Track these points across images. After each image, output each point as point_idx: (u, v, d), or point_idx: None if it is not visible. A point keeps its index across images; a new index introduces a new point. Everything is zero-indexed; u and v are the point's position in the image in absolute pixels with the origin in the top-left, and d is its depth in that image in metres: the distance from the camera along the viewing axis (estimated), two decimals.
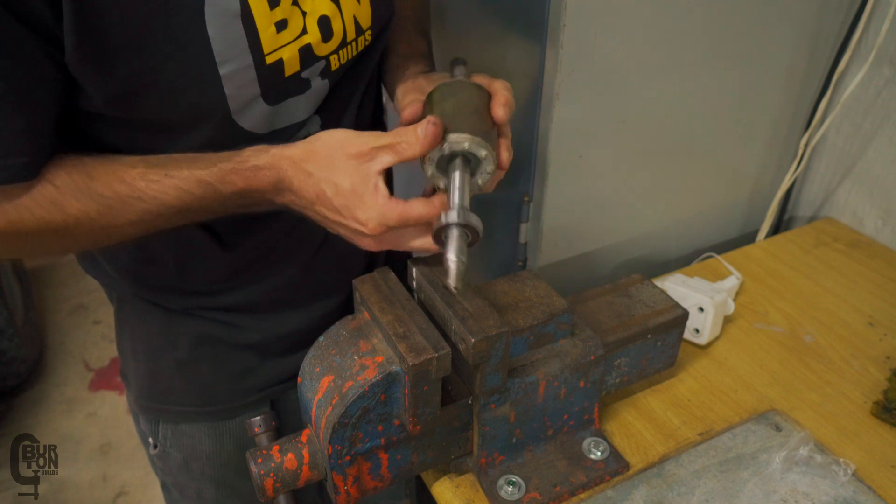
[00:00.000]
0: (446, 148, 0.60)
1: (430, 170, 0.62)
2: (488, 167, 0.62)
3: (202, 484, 0.88)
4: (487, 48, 0.95)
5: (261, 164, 0.61)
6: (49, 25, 0.53)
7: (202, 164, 0.61)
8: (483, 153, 0.61)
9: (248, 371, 0.83)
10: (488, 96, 0.67)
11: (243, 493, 0.89)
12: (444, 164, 0.62)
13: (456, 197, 0.59)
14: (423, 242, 0.64)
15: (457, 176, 0.60)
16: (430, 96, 0.66)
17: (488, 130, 0.63)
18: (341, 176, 0.60)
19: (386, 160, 0.60)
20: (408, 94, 0.73)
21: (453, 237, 0.58)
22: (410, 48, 0.81)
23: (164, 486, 0.93)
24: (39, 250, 0.65)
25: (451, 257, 0.57)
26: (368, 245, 0.63)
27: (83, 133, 0.64)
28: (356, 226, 0.61)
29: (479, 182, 0.63)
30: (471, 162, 0.62)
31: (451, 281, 0.57)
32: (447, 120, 0.61)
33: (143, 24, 0.55)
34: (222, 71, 0.59)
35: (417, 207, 0.60)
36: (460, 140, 0.60)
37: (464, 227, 0.58)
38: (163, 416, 0.85)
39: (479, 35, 0.97)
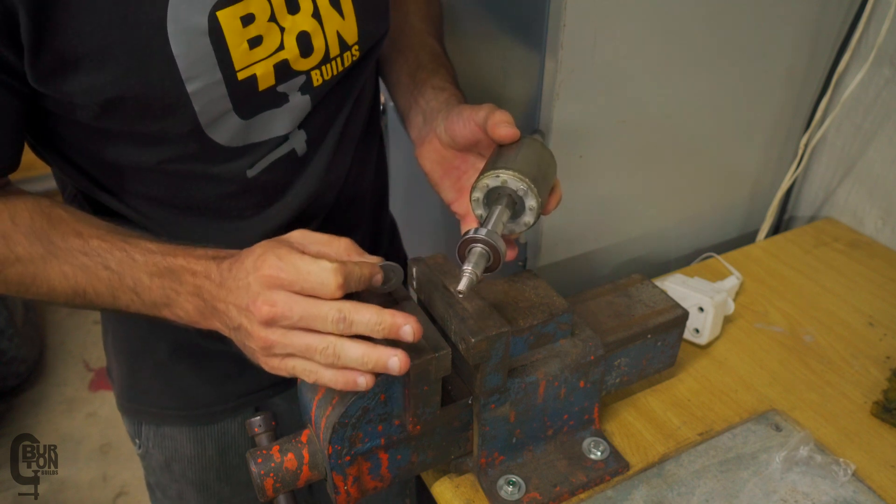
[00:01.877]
0: (506, 181, 0.61)
1: (478, 195, 0.63)
2: (527, 218, 0.63)
3: (183, 486, 0.88)
4: (487, 48, 0.95)
5: (210, 248, 0.59)
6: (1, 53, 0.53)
7: (156, 239, 0.60)
8: (532, 203, 0.62)
9: (228, 377, 0.83)
10: (555, 165, 0.68)
11: (224, 497, 0.89)
12: (492, 197, 0.63)
13: (491, 222, 0.60)
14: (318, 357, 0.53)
15: (499, 209, 0.61)
16: (501, 147, 0.67)
17: (544, 187, 0.64)
18: (267, 243, 0.55)
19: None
20: (463, 115, 0.69)
21: (476, 253, 0.58)
22: (444, 81, 0.79)
23: (148, 486, 0.93)
24: None
25: (468, 268, 0.57)
26: (257, 337, 0.53)
27: (61, 137, 0.64)
28: (251, 276, 0.53)
29: (514, 227, 0.64)
30: (516, 205, 0.63)
31: (460, 287, 0.56)
32: (513, 160, 0.63)
33: (102, 37, 0.54)
34: (189, 87, 0.59)
35: (322, 268, 0.52)
36: (519, 182, 0.61)
37: (489, 247, 0.58)
38: (144, 418, 0.85)
39: (479, 35, 0.97)
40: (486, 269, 0.59)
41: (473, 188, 0.63)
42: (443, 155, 0.72)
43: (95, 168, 0.67)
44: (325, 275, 0.52)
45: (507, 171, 0.61)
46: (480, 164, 0.71)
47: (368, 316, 0.52)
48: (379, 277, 0.57)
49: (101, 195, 0.69)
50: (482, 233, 0.58)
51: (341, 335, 0.53)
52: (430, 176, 0.73)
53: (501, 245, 0.59)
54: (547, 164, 0.66)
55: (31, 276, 0.61)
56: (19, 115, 0.59)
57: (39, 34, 0.53)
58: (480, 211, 0.64)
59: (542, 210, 0.64)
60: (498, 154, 0.65)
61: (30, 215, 0.61)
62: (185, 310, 0.59)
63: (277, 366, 0.55)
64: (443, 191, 0.73)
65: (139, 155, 0.64)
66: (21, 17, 0.52)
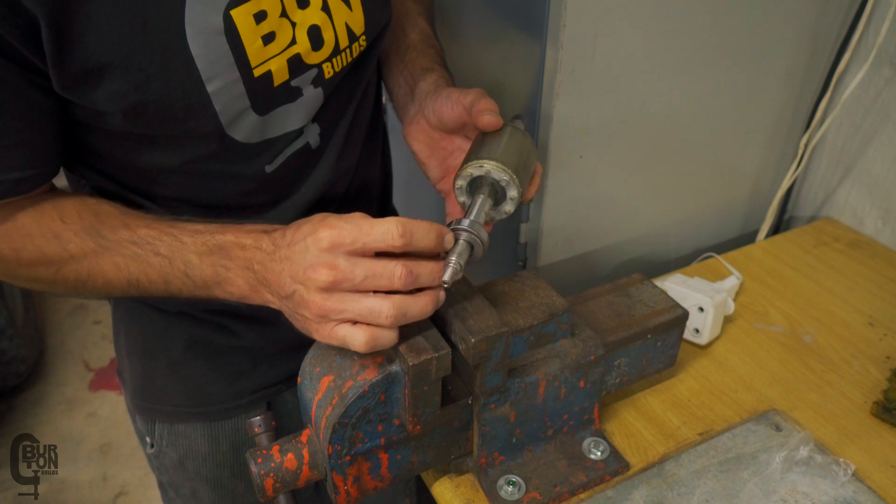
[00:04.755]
0: (489, 171, 0.63)
1: (461, 182, 0.65)
2: (508, 207, 0.66)
3: (197, 484, 0.88)
4: (488, 48, 0.95)
5: (258, 223, 0.60)
6: (26, 56, 0.54)
7: (202, 220, 0.62)
8: (513, 194, 0.65)
9: (241, 372, 0.83)
10: (535, 150, 0.70)
11: (238, 494, 0.89)
12: (475, 185, 0.65)
13: (474, 212, 0.62)
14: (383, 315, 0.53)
15: (481, 198, 0.63)
16: (485, 134, 0.68)
17: (525, 177, 0.66)
18: (321, 214, 0.56)
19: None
20: (451, 98, 0.70)
21: (460, 242, 0.59)
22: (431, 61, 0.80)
23: (160, 485, 0.93)
24: (28, 280, 0.66)
25: (452, 258, 0.58)
26: (313, 304, 0.53)
27: (84, 143, 0.65)
28: (310, 242, 0.53)
29: (494, 215, 0.67)
30: (497, 193, 0.65)
31: (445, 277, 0.57)
32: (496, 150, 0.64)
33: (123, 44, 0.55)
34: (209, 87, 0.59)
35: (385, 224, 0.52)
36: (502, 173, 0.63)
37: (473, 237, 0.60)
38: (158, 416, 0.85)
39: (479, 35, 0.97)
40: (470, 259, 0.60)
41: (457, 176, 0.65)
42: (430, 136, 0.73)
43: (117, 171, 0.68)
44: (387, 224, 0.52)
45: (491, 162, 0.63)
46: (467, 147, 0.72)
47: (430, 266, 0.54)
48: (450, 238, 0.57)
49: (123, 195, 0.70)
50: (465, 224, 0.60)
51: (401, 291, 0.53)
52: (416, 155, 0.75)
53: (484, 236, 0.60)
54: (528, 154, 0.68)
55: (86, 271, 0.63)
56: (58, 116, 0.60)
57: (61, 46, 0.53)
58: (463, 198, 0.66)
59: (522, 199, 0.66)
60: (482, 142, 0.66)
61: (77, 213, 0.63)
62: (236, 285, 0.59)
63: (329, 333, 0.55)
64: (429, 170, 0.75)
65: (162, 157, 0.65)
66: (42, 30, 0.52)
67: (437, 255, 0.58)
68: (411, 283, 0.53)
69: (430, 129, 0.73)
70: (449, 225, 0.60)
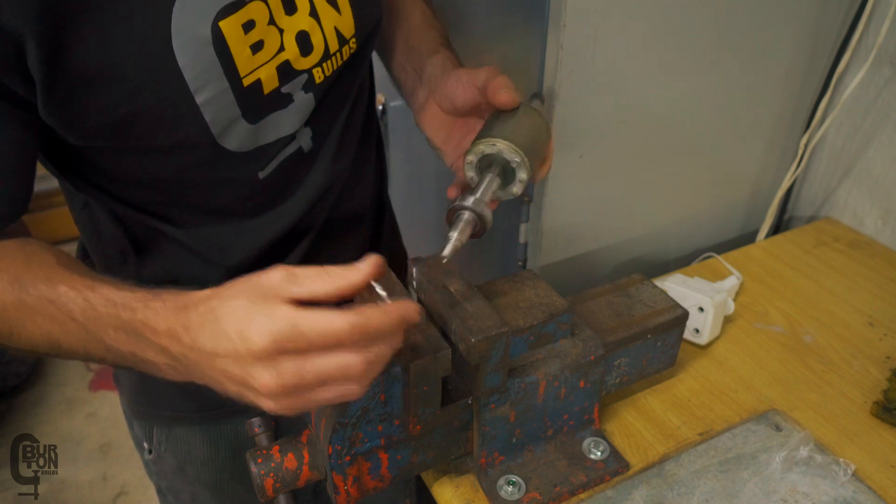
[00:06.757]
0: (501, 151, 0.63)
1: (472, 158, 0.65)
2: (515, 189, 0.66)
3: (197, 488, 0.87)
4: (488, 48, 0.96)
5: (172, 292, 0.52)
6: (5, 83, 0.53)
7: (120, 287, 0.54)
8: (523, 176, 0.64)
9: None
10: (549, 130, 0.69)
11: (238, 497, 0.89)
12: (484, 162, 0.65)
13: (480, 191, 0.62)
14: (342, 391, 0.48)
15: (489, 177, 0.63)
16: (498, 113, 0.67)
17: (537, 159, 0.66)
18: (244, 292, 0.48)
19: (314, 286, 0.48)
20: (462, 79, 0.69)
21: (463, 219, 0.60)
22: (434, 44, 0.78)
23: (159, 491, 0.92)
24: None
25: (454, 234, 0.58)
26: (265, 401, 0.47)
27: (78, 156, 0.64)
28: (240, 347, 0.46)
29: (501, 195, 0.66)
30: (506, 173, 0.65)
31: (445, 252, 0.57)
32: (510, 130, 0.64)
33: (111, 56, 0.54)
34: (198, 98, 0.59)
35: (325, 318, 0.45)
36: (513, 154, 0.63)
37: (476, 215, 0.60)
38: (156, 421, 0.84)
39: (479, 35, 0.97)
40: (472, 236, 0.61)
41: (468, 151, 0.65)
42: (444, 120, 0.73)
43: (108, 179, 0.67)
44: (334, 323, 0.45)
45: (503, 141, 0.63)
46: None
47: (385, 331, 0.48)
48: (415, 310, 0.50)
49: (116, 206, 0.69)
50: (470, 201, 0.60)
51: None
52: (431, 140, 0.74)
53: (488, 214, 0.60)
54: (541, 135, 0.67)
55: (7, 327, 0.57)
56: (22, 157, 0.57)
57: (51, 61, 0.53)
58: (472, 174, 0.66)
59: (531, 181, 0.66)
60: (496, 119, 0.66)
61: (11, 257, 0.57)
62: (155, 365, 0.53)
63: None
64: (445, 155, 0.74)
65: (154, 167, 0.64)
66: (30, 49, 0.51)
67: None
68: (369, 371, 0.48)
69: (443, 113, 0.72)
70: (453, 202, 0.60)
